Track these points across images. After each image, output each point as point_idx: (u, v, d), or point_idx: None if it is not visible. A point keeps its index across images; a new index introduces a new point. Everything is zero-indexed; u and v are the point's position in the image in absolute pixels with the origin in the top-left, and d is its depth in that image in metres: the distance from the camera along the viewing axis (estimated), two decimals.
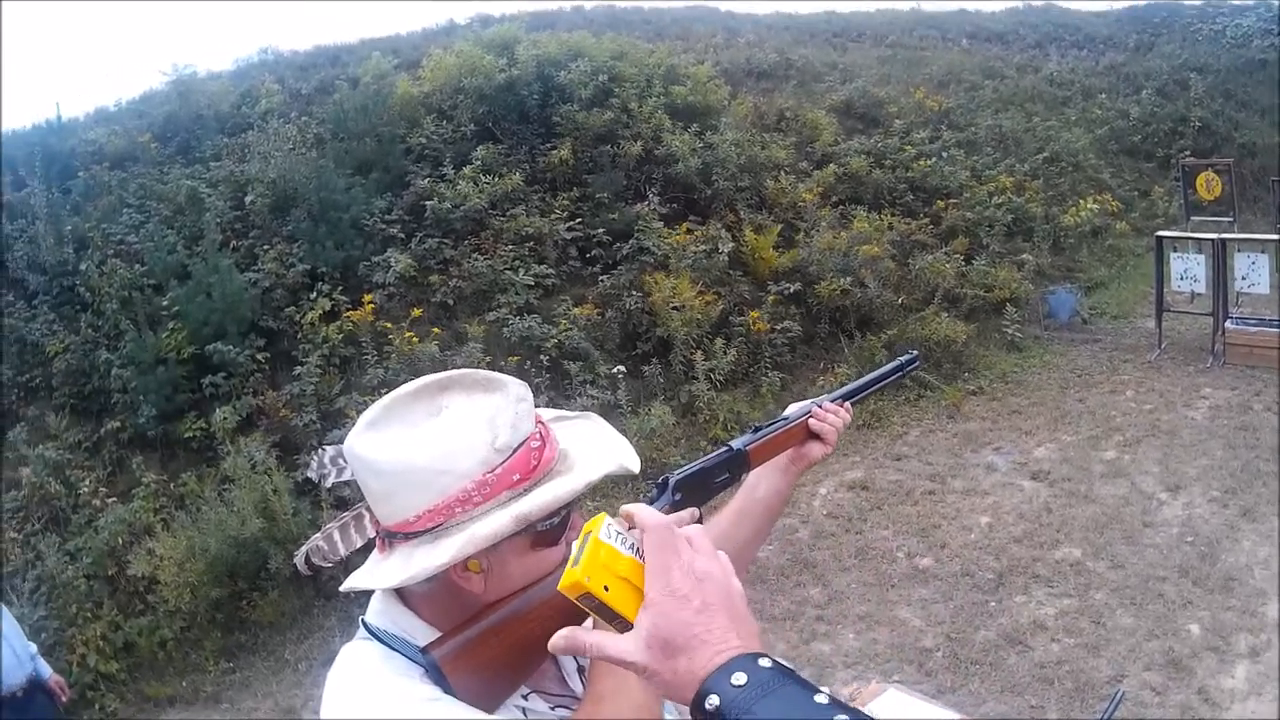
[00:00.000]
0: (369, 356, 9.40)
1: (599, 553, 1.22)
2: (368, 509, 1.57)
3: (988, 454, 9.28)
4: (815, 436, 2.15)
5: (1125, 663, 5.87)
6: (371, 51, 16.06)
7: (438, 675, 1.42)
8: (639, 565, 1.22)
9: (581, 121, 12.46)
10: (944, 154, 16.08)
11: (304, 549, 1.64)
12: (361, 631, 1.53)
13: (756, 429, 2.07)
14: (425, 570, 1.41)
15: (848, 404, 2.23)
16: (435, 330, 9.98)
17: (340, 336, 9.67)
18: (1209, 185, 15.31)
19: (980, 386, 11.10)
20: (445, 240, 11.16)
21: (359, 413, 1.53)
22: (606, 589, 1.21)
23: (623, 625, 1.20)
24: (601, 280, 11.11)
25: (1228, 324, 12.09)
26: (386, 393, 1.56)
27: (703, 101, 13.76)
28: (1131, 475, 8.58)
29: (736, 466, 1.98)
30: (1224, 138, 20.93)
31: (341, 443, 1.58)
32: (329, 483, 1.68)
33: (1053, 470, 8.76)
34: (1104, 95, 22.07)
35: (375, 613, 1.55)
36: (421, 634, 1.50)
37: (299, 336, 9.81)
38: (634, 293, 10.78)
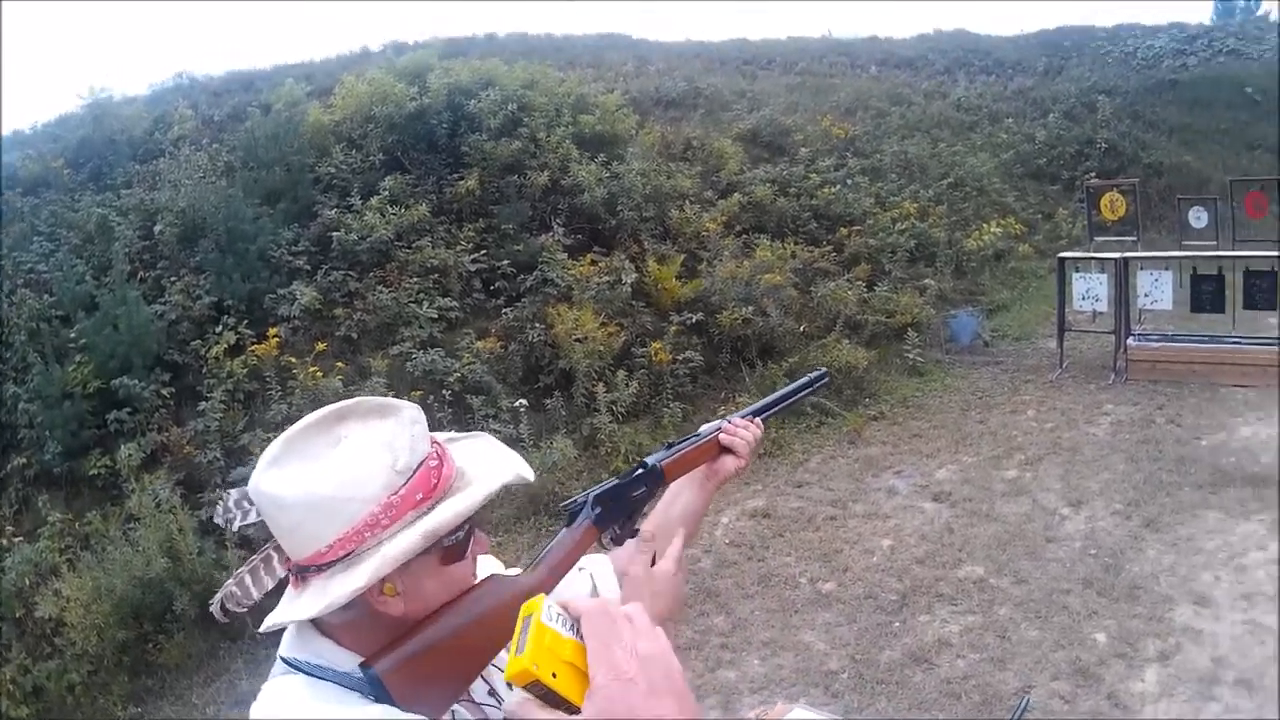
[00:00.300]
0: (273, 392, 9.31)
1: (543, 637, 1.20)
2: (275, 549, 1.61)
3: (889, 478, 9.41)
4: (729, 451, 2.25)
5: (1032, 674, 5.97)
6: (285, 78, 16.05)
7: (379, 688, 1.46)
8: (582, 647, 1.21)
9: (489, 151, 12.46)
10: (848, 181, 16.38)
11: (219, 596, 1.64)
12: (281, 667, 1.56)
13: (669, 445, 2.16)
14: (344, 595, 1.44)
15: (758, 419, 2.33)
16: (339, 364, 9.92)
17: (245, 371, 9.58)
18: (1113, 206, 15.65)
19: (881, 411, 11.23)
20: (350, 272, 11.12)
21: (262, 449, 1.56)
22: (554, 675, 1.19)
23: (570, 709, 1.19)
24: (505, 313, 11.09)
25: (1130, 341, 12.40)
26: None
27: (611, 131, 13.81)
28: (1033, 492, 8.75)
29: (652, 482, 2.05)
30: (1131, 158, 21.36)
31: (245, 483, 1.59)
32: (235, 526, 1.67)
33: (954, 491, 8.90)
34: (1011, 120, 22.50)
35: (291, 647, 1.57)
36: (344, 661, 1.53)
37: (204, 371, 9.70)
38: (537, 325, 10.76)
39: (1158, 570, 7.18)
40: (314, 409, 1.61)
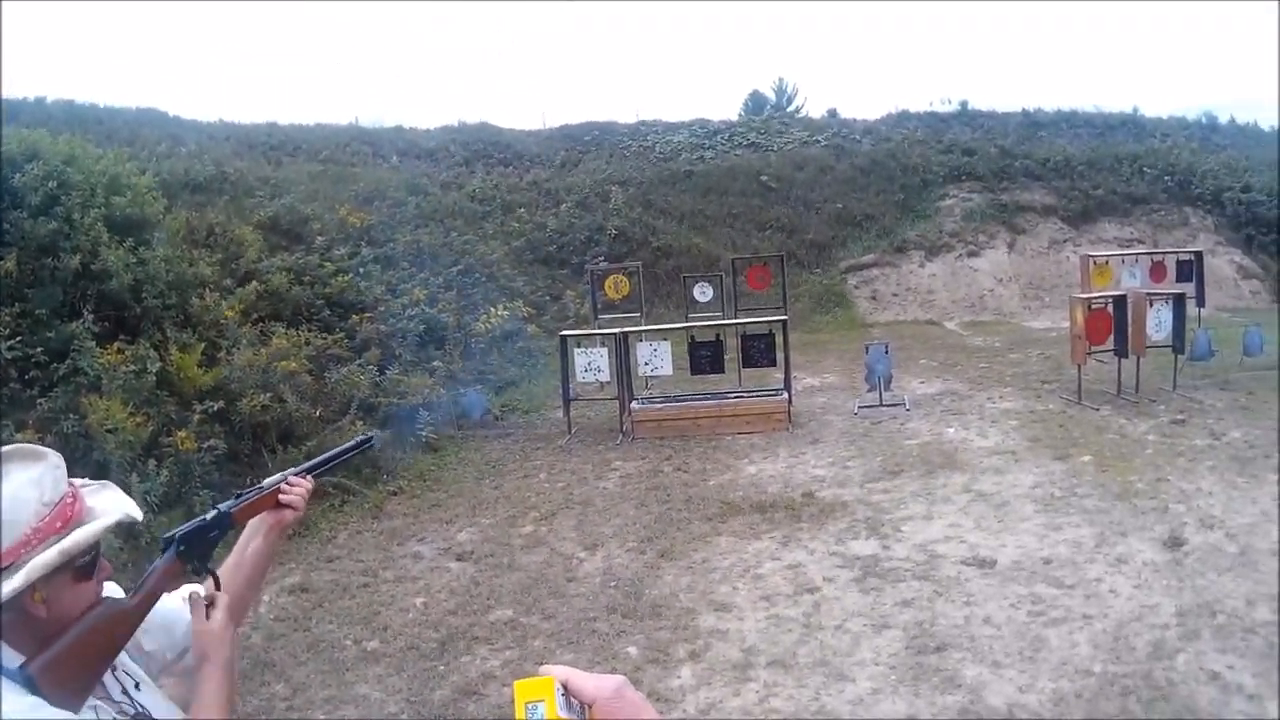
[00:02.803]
0: None
1: None
2: None
3: (413, 545, 9.72)
4: (287, 506, 2.64)
5: None
6: None
7: (33, 686, 1.88)
8: None
9: (28, 231, 11.48)
10: (361, 270, 16.74)
11: None
12: None
13: (238, 495, 2.58)
14: (4, 595, 1.86)
15: (309, 476, 2.72)
16: None
17: None
18: (617, 286, 16.90)
19: (400, 486, 11.52)
20: None
21: None
22: None
23: None
24: (40, 403, 10.42)
25: (634, 405, 13.40)
26: None
27: (140, 214, 13.13)
28: (550, 543, 9.37)
29: (224, 525, 2.46)
30: (640, 242, 22.87)
31: None
32: None
33: (475, 550, 9.35)
34: (524, 209, 23.50)
35: None
36: (11, 659, 1.92)
37: None
38: (71, 415, 10.18)
39: (677, 590, 7.95)
40: None
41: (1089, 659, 6.27)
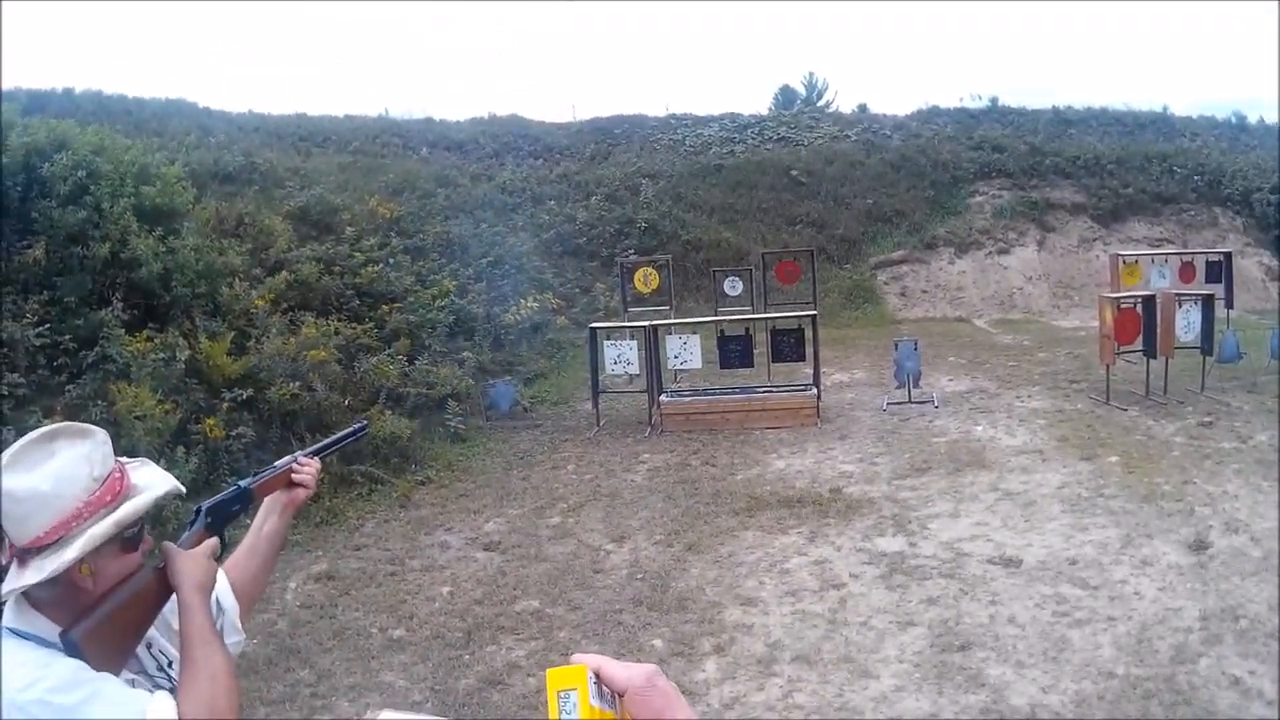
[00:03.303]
0: None
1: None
2: None
3: (440, 534, 9.77)
4: (299, 485, 2.81)
5: None
6: None
7: (76, 650, 1.98)
8: None
9: (57, 220, 11.62)
10: (391, 260, 16.79)
11: None
12: (4, 634, 2.02)
13: (256, 473, 2.75)
14: (61, 566, 1.99)
15: (316, 458, 2.89)
16: None
17: None
18: (647, 280, 16.93)
19: (428, 476, 11.58)
20: None
21: None
22: None
23: None
24: (68, 390, 10.51)
25: (663, 398, 13.43)
26: None
27: (169, 204, 13.23)
28: (577, 534, 9.42)
29: (245, 500, 2.63)
30: (670, 235, 22.73)
31: None
32: None
33: (503, 540, 9.41)
34: (553, 202, 23.37)
35: (11, 619, 2.05)
36: (49, 630, 2.03)
37: None
38: (99, 402, 10.27)
39: (703, 583, 7.97)
40: None
41: (1112, 661, 6.27)
